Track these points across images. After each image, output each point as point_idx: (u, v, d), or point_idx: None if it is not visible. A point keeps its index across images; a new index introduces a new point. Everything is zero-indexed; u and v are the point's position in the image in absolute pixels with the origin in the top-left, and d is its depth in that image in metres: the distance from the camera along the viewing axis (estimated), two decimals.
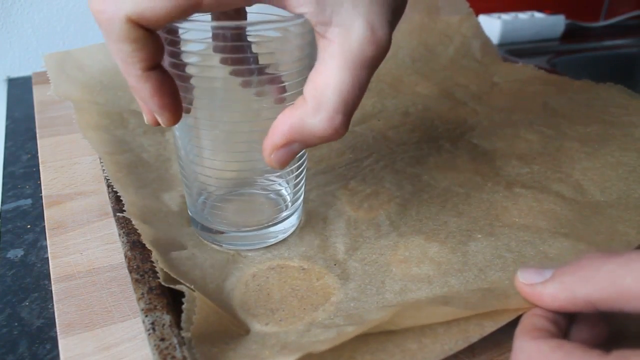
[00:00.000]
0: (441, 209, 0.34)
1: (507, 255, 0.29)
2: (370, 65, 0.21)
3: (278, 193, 0.30)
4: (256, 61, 0.24)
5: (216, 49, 0.24)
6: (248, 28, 0.23)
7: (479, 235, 0.31)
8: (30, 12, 0.61)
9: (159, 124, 0.24)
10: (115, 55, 0.21)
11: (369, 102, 0.49)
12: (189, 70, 0.24)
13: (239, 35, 0.24)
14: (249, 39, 0.24)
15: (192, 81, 0.24)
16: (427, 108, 0.49)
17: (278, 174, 0.29)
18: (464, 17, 0.64)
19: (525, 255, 0.29)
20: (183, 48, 0.23)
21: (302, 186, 0.30)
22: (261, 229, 0.29)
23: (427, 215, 0.33)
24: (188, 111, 0.25)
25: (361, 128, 0.44)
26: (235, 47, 0.24)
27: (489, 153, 0.41)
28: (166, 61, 0.24)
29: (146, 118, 0.25)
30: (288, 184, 0.30)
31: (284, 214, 0.29)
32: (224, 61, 0.24)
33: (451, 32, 0.64)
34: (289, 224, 0.30)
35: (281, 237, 0.30)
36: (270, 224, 0.29)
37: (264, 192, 0.31)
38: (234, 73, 0.25)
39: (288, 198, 0.30)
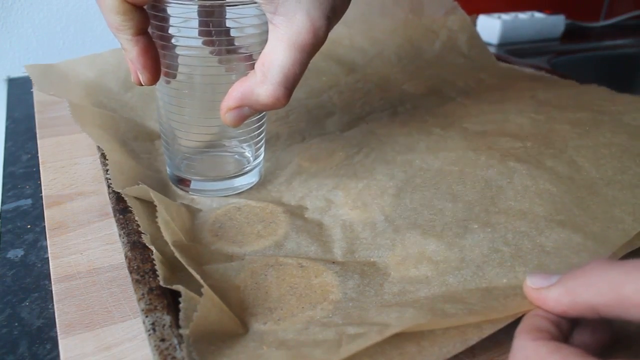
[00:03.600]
0: (435, 192, 0.33)
1: (505, 249, 0.29)
2: (309, 50, 0.26)
3: (242, 155, 0.36)
4: (228, 35, 0.30)
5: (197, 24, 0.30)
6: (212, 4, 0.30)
7: (475, 226, 0.31)
8: (30, 12, 0.61)
9: (141, 85, 0.30)
10: (110, 24, 0.28)
11: (357, 103, 0.49)
12: (173, 41, 0.30)
13: (211, 13, 0.30)
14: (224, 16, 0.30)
15: (175, 51, 0.30)
16: (416, 106, 0.49)
17: (242, 138, 0.35)
18: (449, 11, 0.64)
19: (522, 249, 0.28)
20: (165, 22, 0.29)
21: (261, 150, 0.36)
22: (225, 179, 0.35)
23: (422, 202, 0.33)
24: (172, 77, 0.31)
25: (350, 132, 0.44)
26: (208, 22, 0.30)
27: (480, 133, 0.42)
28: (154, 34, 0.30)
29: (133, 77, 0.31)
30: (250, 147, 0.36)
31: (246, 169, 0.36)
32: (201, 33, 0.30)
33: (437, 27, 0.64)
34: (250, 179, 0.36)
35: (243, 189, 0.36)
36: (234, 176, 0.35)
37: (230, 153, 0.37)
38: (206, 43, 0.31)
39: (251, 159, 0.36)
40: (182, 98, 0.32)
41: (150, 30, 0.30)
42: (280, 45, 0.26)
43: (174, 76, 0.31)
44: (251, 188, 0.36)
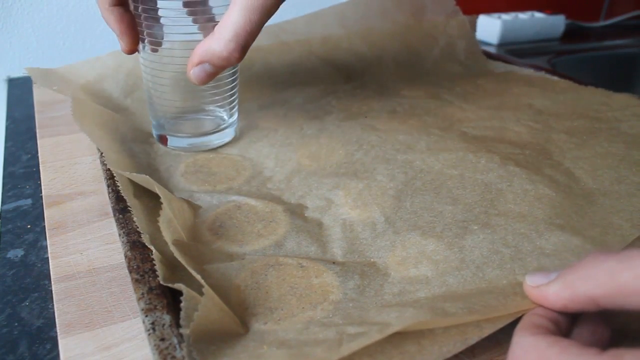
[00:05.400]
0: (435, 196, 0.34)
1: (504, 250, 0.29)
2: (260, 10, 0.30)
3: (217, 115, 0.41)
4: (206, 4, 0.35)
5: None
6: None
7: (475, 227, 0.31)
8: (30, 12, 0.61)
9: (127, 53, 0.36)
10: None
11: (355, 105, 0.49)
12: (158, 12, 0.35)
13: None
14: None
15: (160, 21, 0.35)
16: (414, 107, 0.49)
17: (219, 103, 0.40)
18: (450, 15, 0.64)
19: (522, 251, 0.28)
20: None
21: (235, 110, 0.41)
22: (202, 136, 0.40)
23: (422, 205, 0.33)
24: (157, 46, 0.36)
25: (349, 123, 0.44)
26: None
27: (479, 137, 0.42)
28: (137, 7, 0.35)
29: (120, 46, 0.36)
30: (225, 108, 0.41)
31: (221, 127, 0.41)
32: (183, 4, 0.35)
33: (437, 33, 0.63)
34: (225, 137, 0.41)
35: (219, 143, 0.41)
36: (211, 132, 0.41)
37: (206, 114, 0.41)
38: (189, 13, 0.35)
39: (226, 118, 0.41)
40: (163, 65, 0.37)
41: (133, 3, 0.35)
42: (234, 7, 0.30)
43: (159, 45, 0.36)
44: (250, 185, 0.36)
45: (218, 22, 0.34)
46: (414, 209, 0.33)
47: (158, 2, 0.34)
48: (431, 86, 0.56)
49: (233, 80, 0.39)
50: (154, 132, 0.41)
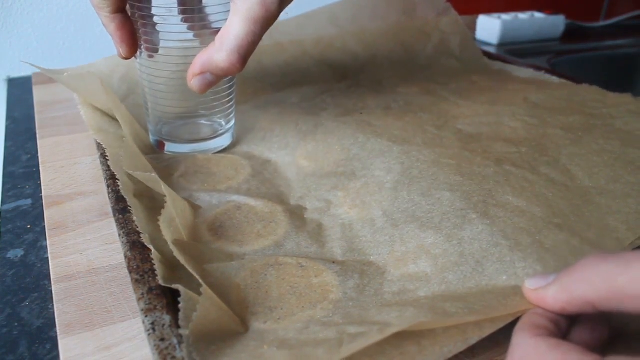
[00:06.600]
0: (433, 182, 0.34)
1: (504, 242, 0.28)
2: (261, 22, 0.30)
3: (214, 121, 0.41)
4: (202, 12, 0.35)
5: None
6: None
7: (474, 216, 0.30)
8: (30, 12, 0.61)
9: (123, 58, 0.36)
10: (91, 2, 0.33)
11: (350, 102, 0.49)
12: (155, 19, 0.35)
13: None
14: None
15: (155, 28, 0.35)
16: (409, 103, 0.49)
17: (217, 109, 0.40)
18: (441, 12, 0.64)
19: (522, 244, 0.28)
20: (144, 3, 0.34)
21: (232, 116, 0.41)
22: (201, 141, 0.40)
23: (420, 192, 0.33)
24: (153, 52, 0.36)
25: (345, 119, 0.44)
26: (185, 1, 0.34)
27: (474, 136, 0.42)
28: (135, 13, 0.35)
29: (117, 52, 0.36)
30: (222, 114, 0.40)
31: (218, 133, 0.41)
32: (179, 11, 0.35)
33: (429, 29, 0.63)
34: (224, 141, 0.41)
35: (217, 148, 0.41)
36: (208, 138, 0.40)
37: (203, 120, 0.41)
38: (184, 20, 0.35)
39: (223, 124, 0.41)
40: (160, 71, 0.37)
41: (130, 10, 0.35)
42: (236, 18, 0.30)
43: (156, 51, 0.36)
44: (250, 184, 0.36)
45: (214, 29, 0.35)
46: (411, 197, 0.33)
47: (154, 8, 0.34)
48: (426, 82, 0.56)
49: (230, 87, 0.39)
50: (151, 138, 0.41)
